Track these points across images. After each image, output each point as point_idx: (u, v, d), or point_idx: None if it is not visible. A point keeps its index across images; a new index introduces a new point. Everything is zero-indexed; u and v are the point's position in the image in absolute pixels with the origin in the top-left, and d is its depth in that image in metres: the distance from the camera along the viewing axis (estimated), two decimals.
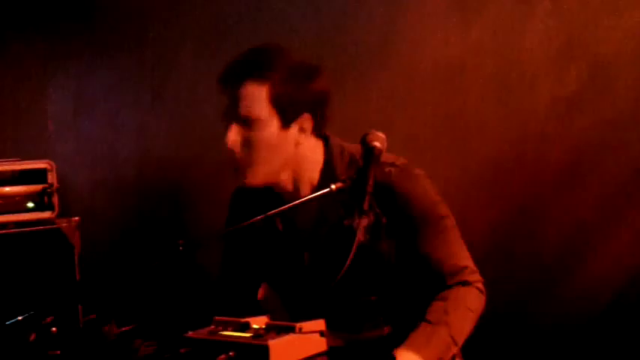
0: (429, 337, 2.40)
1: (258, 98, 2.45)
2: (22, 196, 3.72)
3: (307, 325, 2.12)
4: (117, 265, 4.02)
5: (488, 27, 3.35)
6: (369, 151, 2.26)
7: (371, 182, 2.20)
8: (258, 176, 2.50)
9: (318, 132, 2.55)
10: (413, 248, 2.50)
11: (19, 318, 2.32)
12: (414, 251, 2.50)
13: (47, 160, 3.78)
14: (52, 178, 3.75)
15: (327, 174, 2.50)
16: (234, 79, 2.49)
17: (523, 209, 3.30)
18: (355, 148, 2.48)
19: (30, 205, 3.73)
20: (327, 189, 2.26)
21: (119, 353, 2.51)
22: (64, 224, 3.74)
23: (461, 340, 2.47)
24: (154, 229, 4.14)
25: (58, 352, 2.42)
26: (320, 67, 2.55)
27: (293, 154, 2.50)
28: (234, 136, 2.48)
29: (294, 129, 2.48)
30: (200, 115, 4.07)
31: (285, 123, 2.47)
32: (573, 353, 3.18)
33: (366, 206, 2.16)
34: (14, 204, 3.71)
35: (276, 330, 2.12)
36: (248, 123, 2.46)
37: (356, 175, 2.24)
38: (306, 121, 2.50)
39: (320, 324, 2.16)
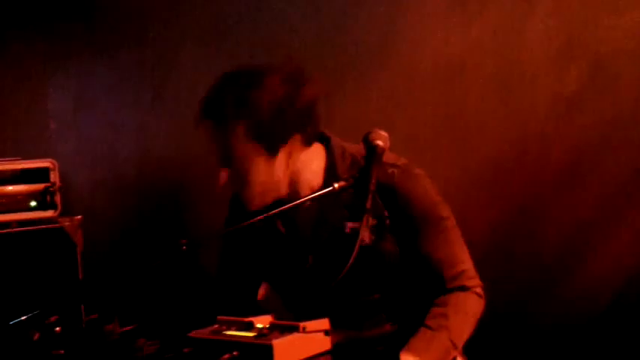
0: (429, 342, 2.41)
1: (235, 138, 2.43)
2: (24, 195, 3.72)
3: (311, 325, 2.13)
4: (119, 264, 4.02)
5: (489, 27, 3.36)
6: (371, 150, 2.26)
7: (373, 181, 2.20)
8: (256, 201, 2.49)
9: (313, 141, 2.53)
10: (414, 248, 2.51)
11: (23, 318, 2.33)
12: (415, 251, 2.51)
13: (50, 159, 3.78)
14: (54, 177, 3.75)
15: (330, 177, 2.48)
16: (208, 120, 2.46)
17: (523, 209, 3.30)
18: (356, 148, 2.48)
19: (32, 204, 3.72)
20: (330, 188, 2.26)
21: (122, 353, 2.51)
22: (67, 223, 3.74)
23: (460, 344, 2.49)
24: (155, 228, 4.14)
25: (62, 351, 2.42)
26: (305, 78, 2.48)
27: (288, 171, 2.49)
28: (223, 179, 2.48)
29: (283, 153, 2.47)
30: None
31: (272, 152, 2.45)
32: (573, 353, 3.18)
33: (368, 205, 2.17)
34: (17, 203, 3.71)
35: (280, 329, 2.12)
36: (231, 162, 2.46)
37: (358, 174, 2.24)
38: (295, 140, 2.47)
39: (324, 323, 2.16)
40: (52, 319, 2.41)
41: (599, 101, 3.14)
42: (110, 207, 4.33)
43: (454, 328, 2.45)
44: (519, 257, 3.32)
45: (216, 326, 2.21)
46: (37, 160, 3.78)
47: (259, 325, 2.16)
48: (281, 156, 2.46)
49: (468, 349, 2.63)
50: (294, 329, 2.11)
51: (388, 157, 2.39)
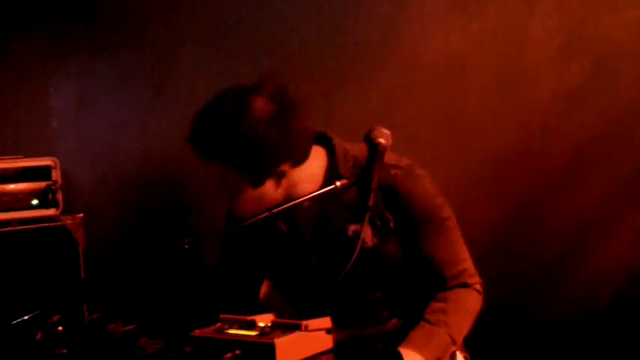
0: (429, 337, 2.43)
1: (222, 170, 2.44)
2: (26, 194, 3.71)
3: (313, 323, 2.13)
4: (121, 262, 4.02)
5: (489, 26, 3.37)
6: (373, 148, 2.26)
7: (376, 179, 2.20)
8: (248, 213, 2.44)
9: (304, 159, 2.50)
10: (415, 248, 2.52)
11: (26, 317, 2.34)
12: (416, 251, 2.52)
13: (51, 158, 3.77)
14: (56, 175, 3.73)
15: (330, 179, 2.44)
16: (193, 150, 2.47)
17: (523, 208, 3.31)
18: (358, 149, 2.48)
19: (34, 202, 3.71)
20: (332, 186, 2.26)
21: (124, 352, 2.52)
22: (68, 221, 3.73)
23: (459, 340, 2.50)
24: (156, 226, 4.14)
25: (65, 351, 2.43)
26: (298, 106, 2.46)
27: (281, 189, 2.48)
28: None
29: (269, 181, 2.45)
30: None
31: (257, 184, 2.44)
32: (573, 351, 3.19)
33: (370, 202, 2.17)
34: (18, 201, 3.69)
35: (282, 328, 2.12)
36: (224, 184, 2.47)
37: (361, 172, 2.25)
38: (284, 167, 2.45)
39: (326, 322, 2.16)
40: (55, 318, 2.41)
41: (600, 100, 3.15)
42: (111, 205, 4.33)
43: (453, 323, 2.47)
44: (519, 256, 3.33)
45: (219, 325, 2.21)
46: (39, 159, 3.76)
47: (261, 324, 2.16)
48: (269, 183, 2.45)
49: (469, 346, 2.65)
50: (296, 328, 2.11)
51: (391, 157, 2.39)
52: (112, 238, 4.22)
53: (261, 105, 2.38)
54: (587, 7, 3.18)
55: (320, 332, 2.14)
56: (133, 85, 4.34)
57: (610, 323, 3.13)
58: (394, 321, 2.59)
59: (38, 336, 2.38)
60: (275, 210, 2.33)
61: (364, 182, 2.22)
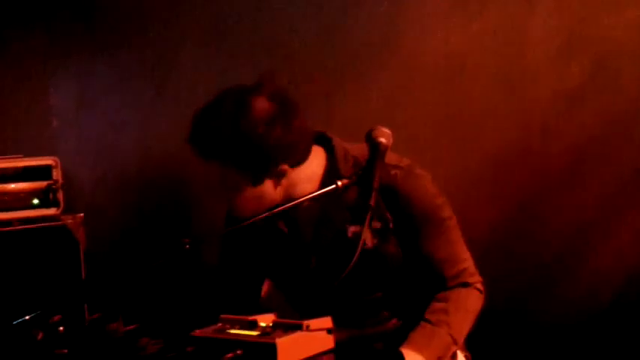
0: (430, 337, 2.43)
1: (222, 170, 2.44)
2: (26, 193, 3.71)
3: (315, 323, 2.12)
4: (121, 262, 4.03)
5: (489, 26, 3.37)
6: (374, 147, 2.26)
7: (377, 178, 2.20)
8: (247, 213, 2.47)
9: (303, 160, 2.50)
10: (415, 248, 2.52)
11: (27, 317, 2.34)
12: (416, 251, 2.53)
13: (52, 157, 3.77)
14: (57, 174, 3.73)
15: (329, 179, 2.43)
16: (193, 150, 2.47)
17: (523, 207, 3.31)
18: (359, 150, 2.48)
19: (35, 201, 3.71)
20: (333, 186, 2.26)
21: (125, 352, 2.52)
22: (69, 221, 3.73)
23: (460, 340, 2.51)
24: (157, 226, 4.15)
25: (65, 350, 2.43)
26: (297, 106, 2.47)
27: (281, 188, 2.48)
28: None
29: (268, 180, 2.45)
30: None
31: (256, 183, 2.44)
32: (573, 351, 3.19)
33: (372, 202, 2.18)
34: (19, 201, 3.69)
35: (284, 328, 2.12)
36: (224, 184, 2.47)
37: (362, 172, 2.25)
38: (283, 167, 2.45)
39: (327, 321, 2.16)
40: (56, 318, 2.41)
41: (600, 100, 3.16)
42: (112, 204, 4.33)
43: (454, 323, 2.47)
44: (519, 255, 3.33)
45: (220, 325, 2.20)
46: (40, 158, 3.76)
47: (263, 324, 2.15)
48: (267, 182, 2.45)
49: (469, 346, 2.65)
50: (297, 328, 2.10)
51: (391, 158, 2.39)
52: (112, 238, 4.22)
53: (261, 105, 2.38)
54: (587, 7, 3.18)
55: (321, 332, 2.14)
56: (133, 84, 4.34)
57: (610, 323, 3.13)
58: (394, 321, 2.59)
59: (39, 336, 2.38)
60: (275, 210, 2.34)
61: (365, 182, 2.22)
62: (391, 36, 3.59)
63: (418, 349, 2.37)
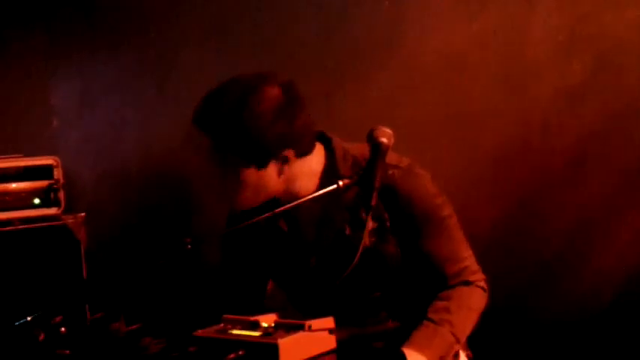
0: (432, 337, 2.42)
1: (223, 157, 2.43)
2: (27, 193, 3.71)
3: (317, 323, 2.13)
4: (123, 261, 4.03)
5: (490, 24, 3.37)
6: (375, 147, 2.26)
7: (378, 178, 2.20)
8: (246, 203, 2.48)
9: (308, 152, 2.50)
10: (415, 247, 2.53)
11: (28, 318, 2.34)
12: (417, 250, 2.53)
13: (53, 156, 3.77)
14: (57, 174, 3.73)
15: (328, 178, 2.44)
16: (198, 128, 2.45)
17: (524, 205, 3.31)
18: (358, 149, 2.48)
19: (36, 201, 3.72)
20: (334, 185, 2.25)
21: (128, 352, 2.52)
22: (70, 220, 3.74)
23: (463, 338, 2.50)
24: (159, 225, 4.16)
25: (68, 351, 2.43)
26: (297, 100, 2.44)
27: (282, 178, 2.47)
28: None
29: (273, 165, 2.44)
30: None
31: (261, 165, 2.43)
32: (574, 349, 3.20)
33: (373, 202, 2.18)
34: (20, 200, 3.69)
35: (286, 328, 2.12)
36: (224, 175, 2.46)
37: (363, 171, 2.24)
38: (289, 153, 2.44)
39: (329, 321, 2.17)
40: (57, 319, 2.41)
41: (601, 98, 3.16)
42: (113, 204, 4.34)
43: (457, 322, 2.47)
44: (520, 253, 3.33)
45: (222, 325, 2.21)
46: (41, 157, 3.76)
47: (265, 324, 2.16)
48: (271, 168, 2.44)
49: (470, 344, 2.66)
50: (299, 328, 2.11)
51: (391, 157, 2.38)
52: (113, 237, 4.22)
53: (272, 92, 2.39)
54: (589, 4, 3.18)
55: (323, 332, 2.14)
56: (133, 84, 4.35)
57: (611, 321, 3.13)
58: (391, 322, 2.59)
59: (41, 337, 2.38)
60: (277, 210, 2.34)
61: (366, 182, 2.22)
62: (391, 36, 3.59)
63: (420, 349, 2.37)
